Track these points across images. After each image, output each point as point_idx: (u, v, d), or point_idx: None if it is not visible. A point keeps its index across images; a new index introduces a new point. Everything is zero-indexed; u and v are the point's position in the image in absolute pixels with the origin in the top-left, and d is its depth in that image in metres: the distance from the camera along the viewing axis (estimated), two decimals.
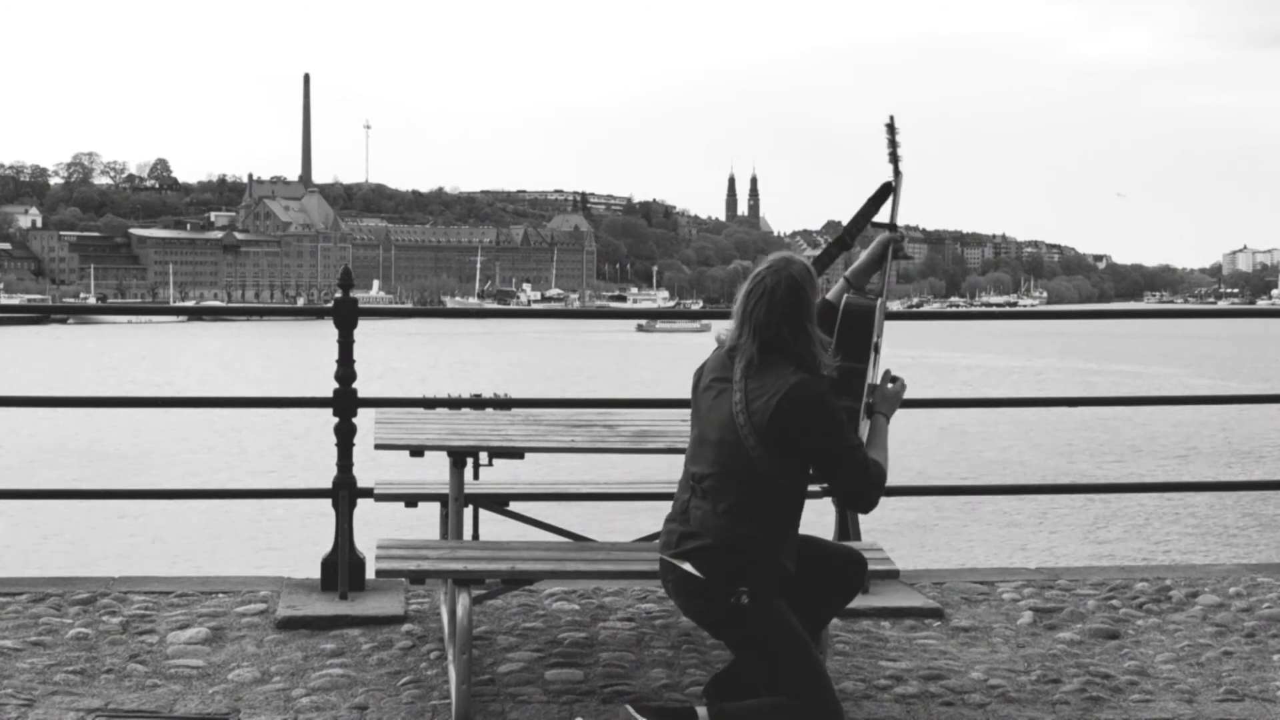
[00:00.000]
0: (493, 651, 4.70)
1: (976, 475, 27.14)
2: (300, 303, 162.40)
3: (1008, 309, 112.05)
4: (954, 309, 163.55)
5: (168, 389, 51.79)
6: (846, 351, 3.84)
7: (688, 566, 3.68)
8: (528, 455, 4.65)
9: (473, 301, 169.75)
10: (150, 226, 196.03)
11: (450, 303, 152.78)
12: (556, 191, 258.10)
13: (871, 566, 4.28)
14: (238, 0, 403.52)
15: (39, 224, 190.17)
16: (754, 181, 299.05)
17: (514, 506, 5.12)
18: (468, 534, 5.07)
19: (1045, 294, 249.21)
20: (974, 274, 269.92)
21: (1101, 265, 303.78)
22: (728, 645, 3.80)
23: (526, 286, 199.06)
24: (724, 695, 3.90)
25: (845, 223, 4.17)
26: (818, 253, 3.99)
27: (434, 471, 5.33)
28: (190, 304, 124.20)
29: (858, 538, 5.54)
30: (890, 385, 3.91)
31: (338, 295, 5.59)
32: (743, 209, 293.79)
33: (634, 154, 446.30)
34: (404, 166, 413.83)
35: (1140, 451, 31.89)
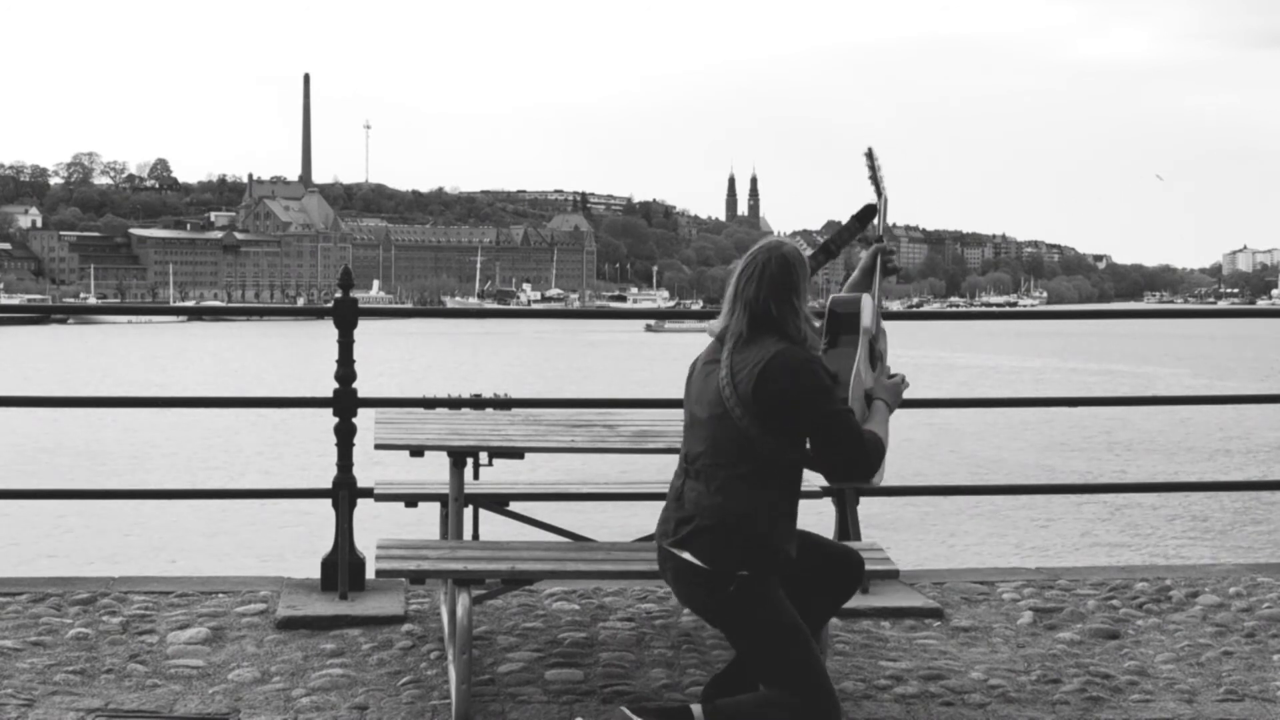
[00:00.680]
0: (493, 651, 4.70)
1: (976, 475, 27.12)
2: (300, 303, 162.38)
3: (1008, 309, 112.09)
4: (954, 309, 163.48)
5: (168, 389, 51.79)
6: (835, 344, 3.84)
7: (687, 555, 3.66)
8: (528, 455, 4.65)
9: (473, 301, 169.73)
10: (150, 226, 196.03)
11: (450, 303, 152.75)
12: (556, 191, 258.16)
13: (871, 566, 4.28)
14: (238, 0, 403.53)
15: (39, 224, 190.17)
16: (754, 181, 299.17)
17: (514, 506, 5.12)
18: (468, 534, 5.07)
19: (1045, 294, 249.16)
20: (974, 274, 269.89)
21: (1101, 265, 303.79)
22: (727, 637, 3.78)
23: (526, 286, 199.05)
24: (723, 695, 3.90)
25: (830, 235, 4.17)
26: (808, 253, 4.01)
27: (434, 471, 5.33)
28: (190, 304, 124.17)
29: (857, 537, 5.54)
30: (890, 379, 3.90)
31: (338, 295, 5.59)
32: (743, 209, 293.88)
33: (634, 154, 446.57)
34: (404, 166, 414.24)
35: (1140, 451, 31.89)
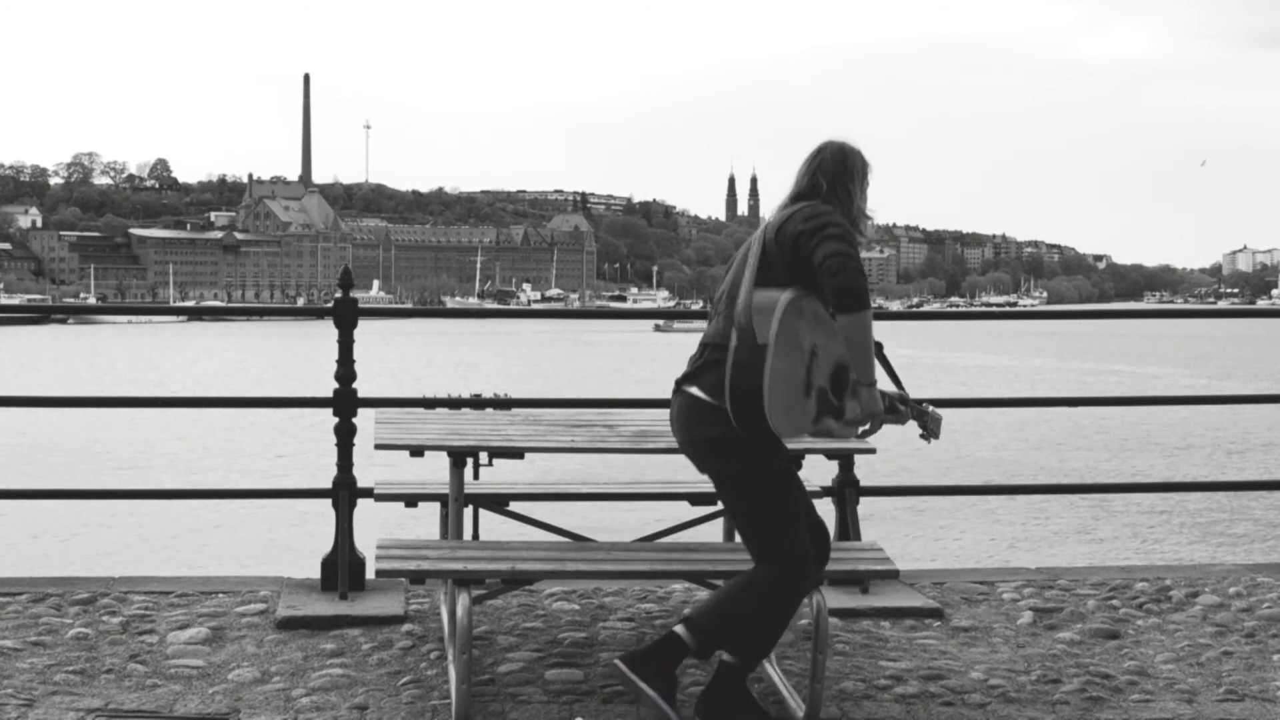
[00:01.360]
0: (493, 651, 4.70)
1: (976, 475, 27.11)
2: (300, 303, 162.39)
3: (1008, 309, 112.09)
4: (954, 309, 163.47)
5: (168, 389, 51.78)
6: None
7: (695, 390, 3.82)
8: (528, 455, 4.65)
9: (473, 301, 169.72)
10: (150, 226, 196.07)
11: (450, 303, 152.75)
12: (556, 191, 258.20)
13: (871, 566, 4.28)
14: (238, 0, 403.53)
15: (39, 224, 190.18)
16: (754, 181, 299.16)
17: (514, 506, 5.12)
18: (468, 534, 5.07)
19: (1045, 294, 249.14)
20: (974, 274, 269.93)
21: (1101, 265, 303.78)
22: (722, 501, 3.88)
23: (526, 286, 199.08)
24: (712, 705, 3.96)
25: None
26: None
27: (434, 471, 5.33)
28: (190, 304, 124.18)
29: (858, 537, 5.54)
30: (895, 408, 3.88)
31: (338, 295, 5.59)
32: (743, 209, 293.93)
33: (634, 154, 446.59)
34: (404, 166, 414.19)
35: (1139, 451, 31.89)
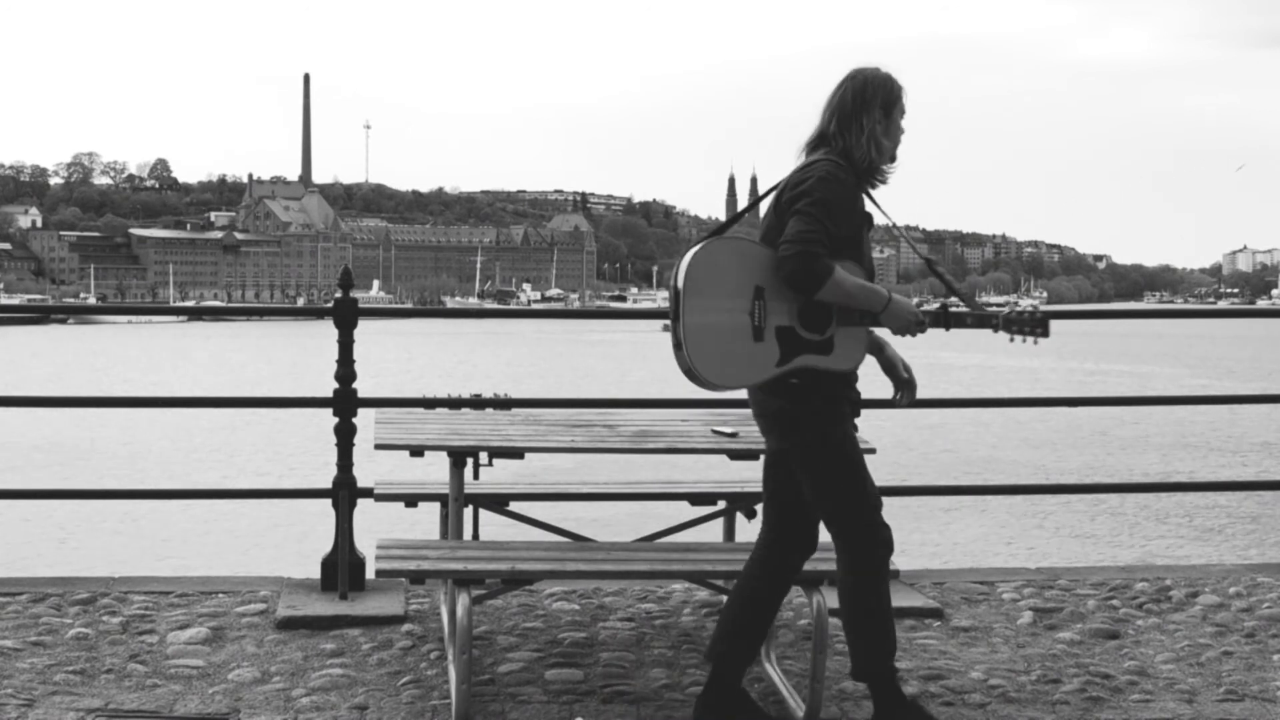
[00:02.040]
0: (493, 651, 4.70)
1: (975, 475, 27.11)
2: (300, 303, 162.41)
3: None
4: None
5: (167, 389, 51.78)
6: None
7: None
8: (528, 455, 4.65)
9: (473, 301, 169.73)
10: (150, 226, 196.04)
11: (450, 303, 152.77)
12: (556, 191, 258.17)
13: None
14: (238, 0, 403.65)
15: (39, 224, 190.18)
16: (754, 181, 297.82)
17: (514, 506, 5.12)
18: (468, 534, 5.07)
19: (1045, 294, 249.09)
20: (974, 274, 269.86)
21: (1101, 265, 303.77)
22: (800, 478, 3.86)
23: (526, 286, 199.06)
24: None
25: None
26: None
27: (434, 471, 5.33)
28: (190, 304, 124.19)
29: None
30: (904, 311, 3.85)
31: (338, 295, 5.59)
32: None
33: (634, 154, 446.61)
34: (404, 166, 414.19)
35: (1138, 451, 31.88)
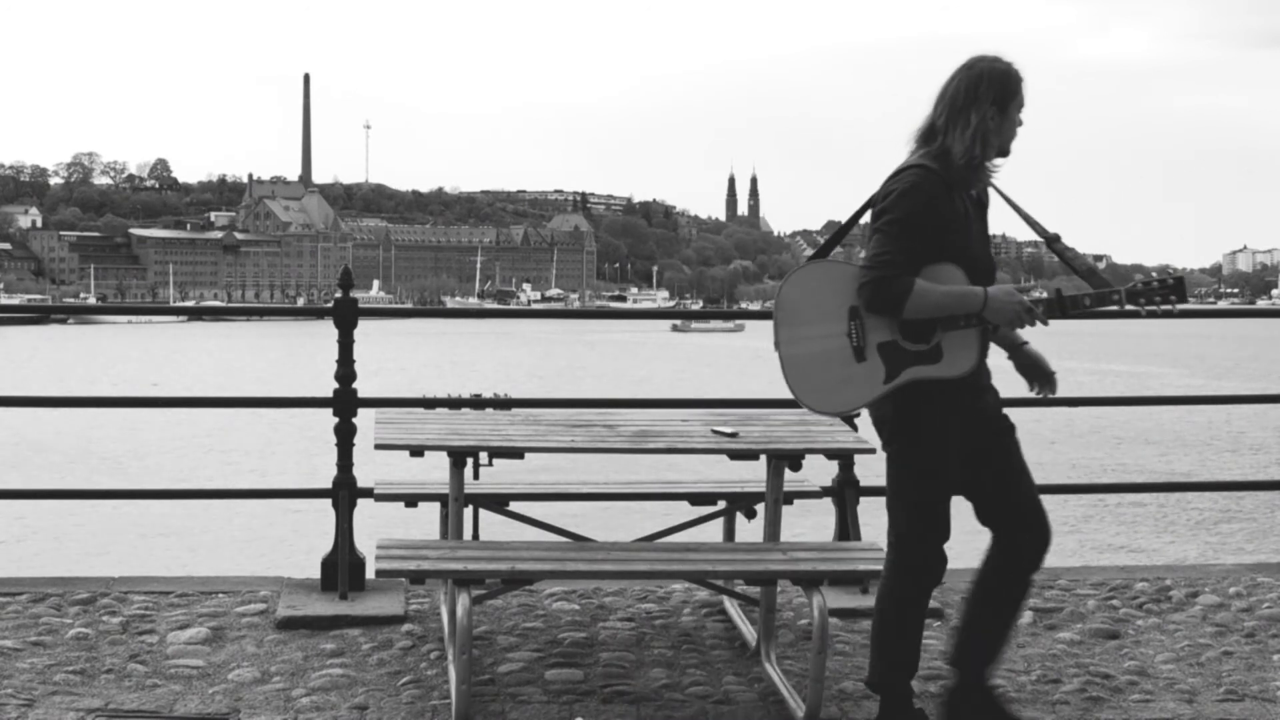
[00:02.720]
0: (493, 651, 4.70)
1: None
2: (300, 303, 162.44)
3: None
4: None
5: (167, 389, 51.76)
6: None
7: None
8: (528, 455, 4.65)
9: (473, 301, 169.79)
10: (150, 226, 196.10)
11: (450, 303, 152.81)
12: (556, 191, 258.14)
13: (871, 566, 4.28)
14: (238, 0, 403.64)
15: (39, 224, 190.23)
16: (754, 181, 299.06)
17: (514, 506, 5.12)
18: (468, 534, 5.07)
19: (1045, 294, 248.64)
20: None
21: (1101, 265, 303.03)
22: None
23: (526, 286, 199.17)
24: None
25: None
26: (809, 254, 3.98)
27: (434, 471, 5.33)
28: (190, 304, 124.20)
29: (858, 537, 5.54)
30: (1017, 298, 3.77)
31: (338, 295, 5.59)
32: (743, 209, 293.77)
33: (634, 154, 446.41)
34: (404, 166, 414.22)
35: (1138, 451, 31.88)
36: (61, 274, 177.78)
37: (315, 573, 5.50)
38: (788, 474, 4.70)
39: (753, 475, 5.10)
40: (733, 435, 4.67)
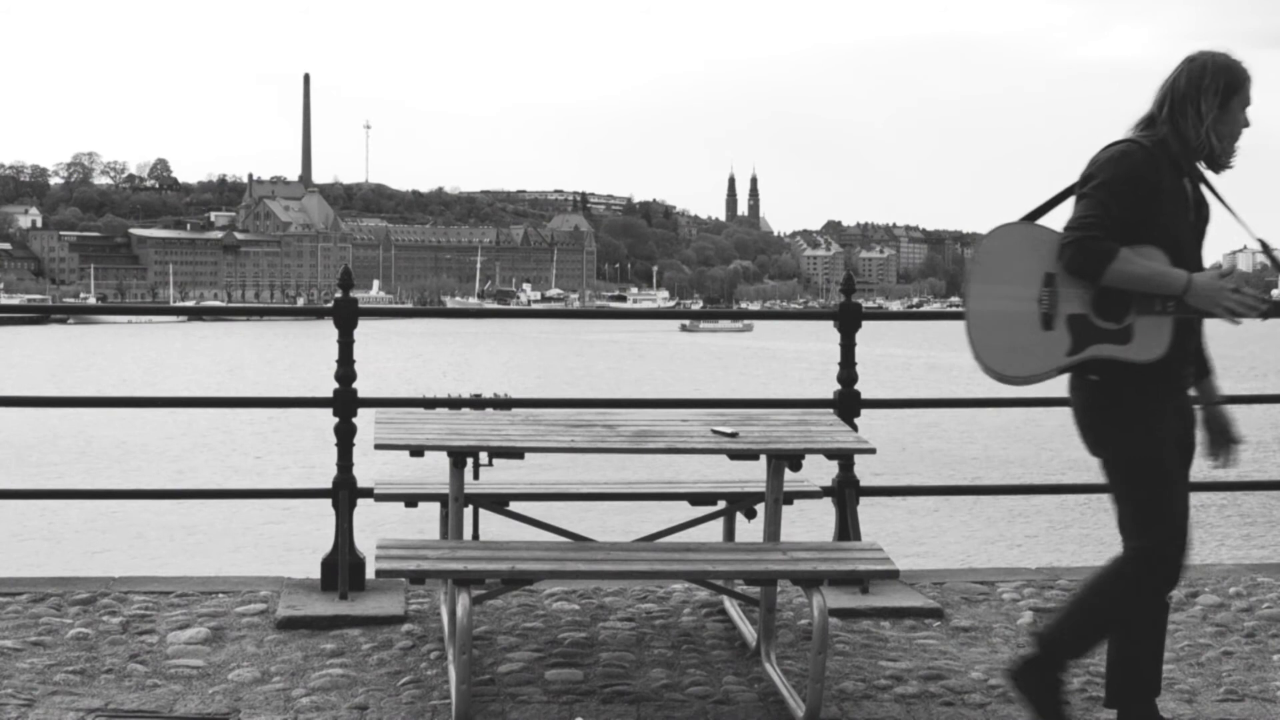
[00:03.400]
0: (493, 651, 4.70)
1: (975, 475, 27.14)
2: (300, 303, 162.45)
3: None
4: (954, 309, 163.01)
5: (167, 389, 51.76)
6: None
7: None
8: (528, 455, 4.64)
9: (473, 301, 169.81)
10: (150, 226, 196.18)
11: (450, 303, 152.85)
12: (556, 191, 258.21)
13: (871, 566, 4.28)
14: (238, 0, 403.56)
15: (39, 224, 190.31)
16: (754, 181, 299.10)
17: (514, 506, 5.12)
18: (468, 534, 5.07)
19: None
20: None
21: None
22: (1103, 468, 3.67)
23: (526, 286, 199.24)
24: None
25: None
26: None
27: (434, 471, 5.33)
28: (190, 304, 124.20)
29: (858, 537, 5.54)
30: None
31: (338, 295, 5.59)
32: (743, 209, 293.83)
33: (634, 154, 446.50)
34: (404, 166, 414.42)
35: None
36: (61, 274, 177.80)
37: (315, 573, 5.50)
38: (788, 474, 4.69)
39: (753, 475, 5.10)
40: (733, 435, 4.67)
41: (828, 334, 5.91)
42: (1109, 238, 3.51)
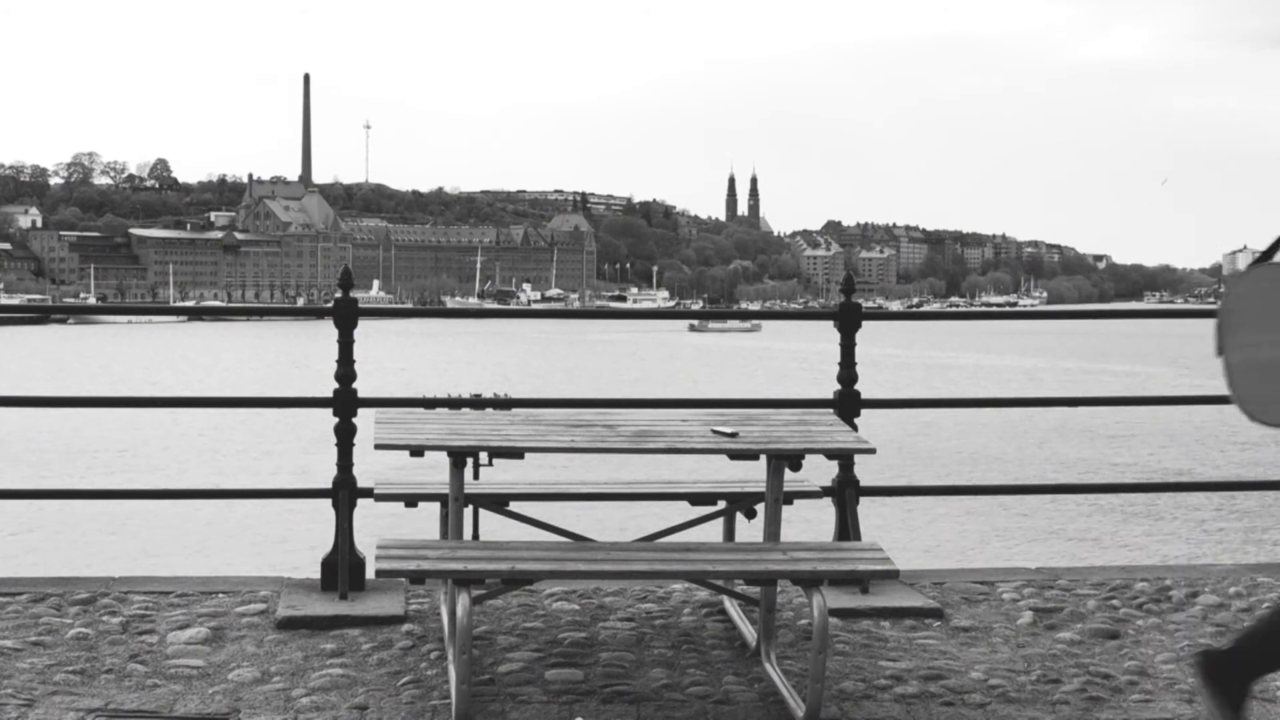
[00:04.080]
0: (493, 651, 4.70)
1: (975, 475, 27.14)
2: (300, 303, 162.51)
3: (1008, 309, 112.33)
4: (954, 309, 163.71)
5: (167, 389, 51.77)
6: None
7: None
8: (528, 455, 4.64)
9: (473, 301, 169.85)
10: (150, 226, 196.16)
11: (450, 303, 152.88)
12: (556, 191, 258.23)
13: (871, 566, 4.28)
14: (238, 0, 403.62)
15: (39, 224, 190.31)
16: (754, 181, 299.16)
17: (514, 506, 5.12)
18: (468, 534, 5.07)
19: (1045, 294, 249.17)
20: (974, 274, 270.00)
21: (1101, 265, 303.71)
22: None
23: (526, 286, 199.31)
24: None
25: None
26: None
27: (434, 471, 5.33)
28: (190, 304, 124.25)
29: (858, 537, 5.54)
30: None
31: (338, 295, 5.59)
32: (743, 209, 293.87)
33: (634, 154, 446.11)
34: (404, 166, 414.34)
35: (1138, 451, 31.88)
36: (61, 274, 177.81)
37: (315, 573, 5.50)
38: (788, 474, 4.69)
39: (753, 475, 5.10)
40: (733, 435, 4.67)
41: (828, 334, 5.91)
42: None
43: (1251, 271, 3.52)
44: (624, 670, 4.53)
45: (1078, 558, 18.79)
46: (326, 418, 5.57)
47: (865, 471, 5.78)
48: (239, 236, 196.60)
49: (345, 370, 5.54)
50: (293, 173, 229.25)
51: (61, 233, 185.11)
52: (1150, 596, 5.56)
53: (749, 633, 4.85)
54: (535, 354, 79.47)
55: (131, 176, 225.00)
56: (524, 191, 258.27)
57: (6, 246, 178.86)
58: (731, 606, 5.13)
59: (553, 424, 4.98)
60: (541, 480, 5.77)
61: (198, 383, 54.89)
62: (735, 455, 4.65)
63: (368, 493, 5.34)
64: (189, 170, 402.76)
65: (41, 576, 5.77)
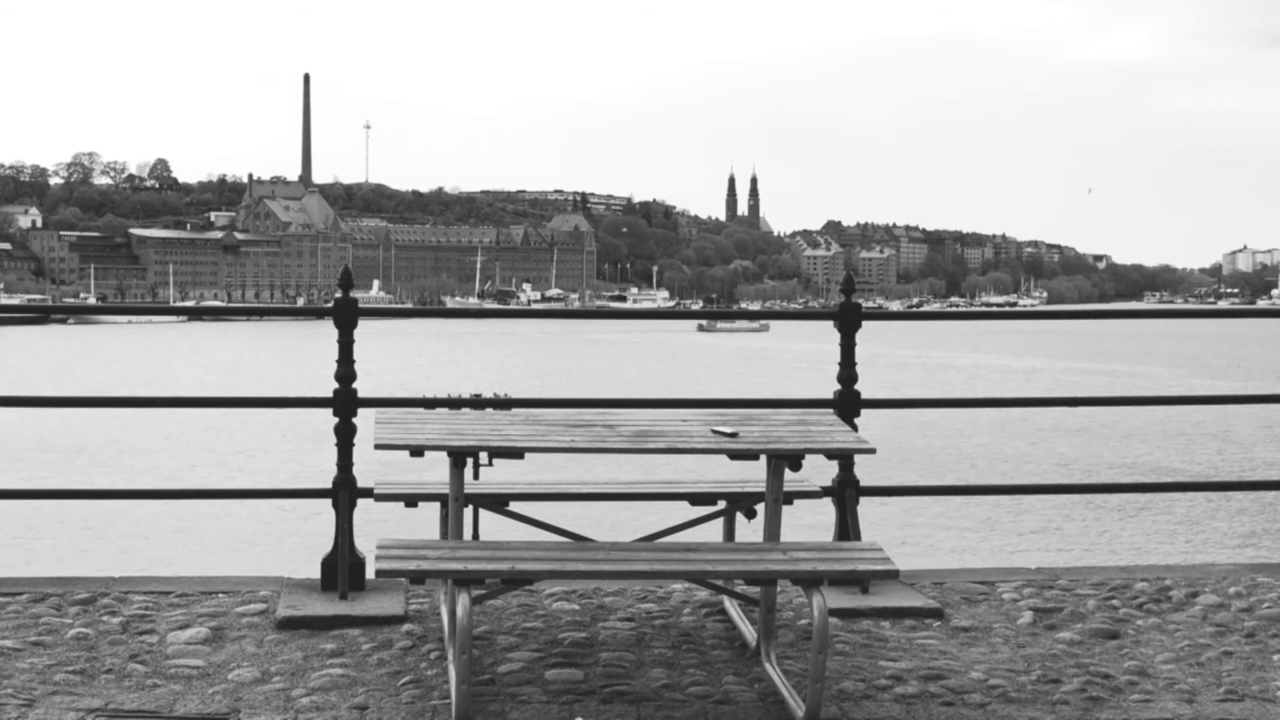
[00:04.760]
0: (493, 651, 4.70)
1: (975, 475, 27.15)
2: (300, 303, 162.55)
3: (1008, 309, 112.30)
4: (954, 309, 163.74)
5: (167, 389, 51.77)
6: None
7: None
8: (528, 455, 4.64)
9: (473, 301, 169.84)
10: (150, 226, 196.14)
11: (450, 303, 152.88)
12: (556, 191, 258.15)
13: (871, 566, 4.28)
14: (238, 0, 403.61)
15: (39, 224, 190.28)
16: (754, 181, 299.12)
17: (514, 506, 5.12)
18: (468, 534, 5.07)
19: (1045, 294, 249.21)
20: (974, 274, 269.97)
21: (1101, 265, 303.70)
22: None
23: (526, 286, 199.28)
24: None
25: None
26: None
27: (434, 471, 5.33)
28: (190, 304, 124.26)
29: (858, 537, 5.54)
30: None
31: (338, 295, 5.59)
32: (743, 209, 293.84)
33: (634, 154, 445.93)
34: (404, 166, 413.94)
35: (1138, 451, 31.88)
36: (61, 274, 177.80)
37: (315, 573, 5.50)
38: (788, 474, 4.69)
39: (753, 475, 5.10)
40: (733, 435, 4.67)
41: (828, 334, 5.91)
42: None
43: None
44: (624, 670, 4.53)
45: (1078, 558, 18.79)
46: (326, 418, 5.57)
47: (865, 471, 5.78)
48: (239, 236, 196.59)
49: (345, 370, 5.54)
50: (293, 173, 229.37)
51: (61, 233, 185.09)
52: (1150, 596, 5.56)
53: (749, 633, 4.85)
54: (535, 354, 79.46)
55: (131, 176, 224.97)
56: (524, 191, 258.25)
57: (6, 246, 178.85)
58: (731, 606, 5.13)
59: (553, 424, 4.98)
60: (541, 480, 5.77)
61: (197, 383, 54.88)
62: (735, 455, 4.65)
63: (368, 493, 5.34)
64: (189, 170, 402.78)
65: (41, 576, 5.77)
